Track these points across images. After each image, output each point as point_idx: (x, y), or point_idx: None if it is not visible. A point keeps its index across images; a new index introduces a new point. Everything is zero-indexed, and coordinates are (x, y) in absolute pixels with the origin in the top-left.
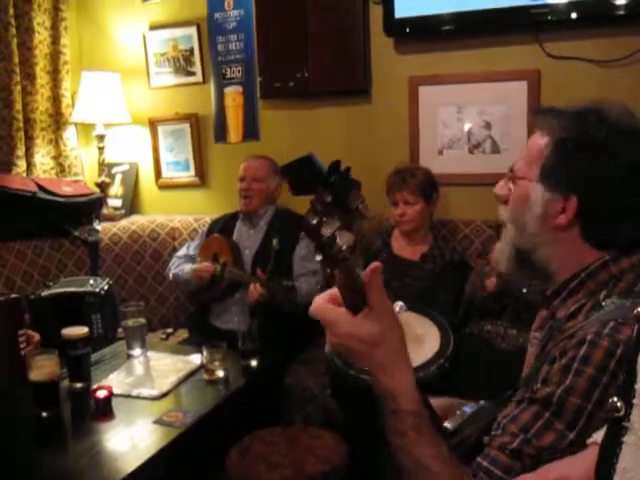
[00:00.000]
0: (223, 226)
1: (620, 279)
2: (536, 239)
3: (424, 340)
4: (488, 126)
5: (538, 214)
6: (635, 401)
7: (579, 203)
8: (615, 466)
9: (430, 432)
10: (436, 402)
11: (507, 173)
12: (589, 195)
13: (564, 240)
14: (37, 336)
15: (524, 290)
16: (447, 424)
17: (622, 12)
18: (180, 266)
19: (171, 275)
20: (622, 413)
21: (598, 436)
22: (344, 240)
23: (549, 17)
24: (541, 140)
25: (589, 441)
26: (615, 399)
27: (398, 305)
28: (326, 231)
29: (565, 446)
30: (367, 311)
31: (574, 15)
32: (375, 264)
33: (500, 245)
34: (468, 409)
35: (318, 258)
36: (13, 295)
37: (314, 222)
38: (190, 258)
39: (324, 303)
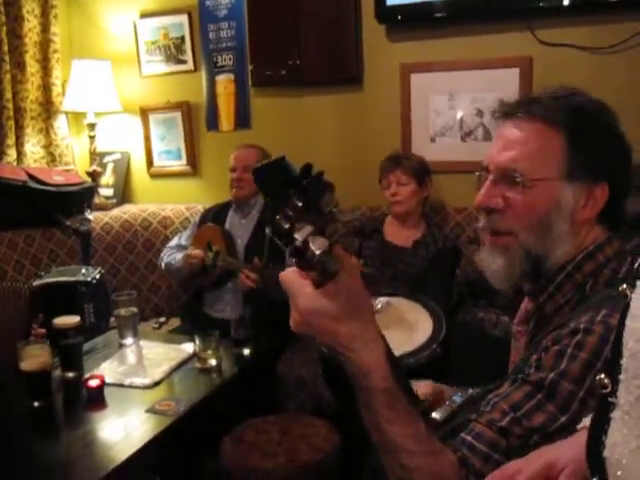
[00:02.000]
0: (215, 216)
1: (605, 267)
2: (561, 239)
3: (416, 326)
4: (480, 114)
5: (567, 212)
6: (621, 377)
7: (610, 188)
8: (604, 442)
9: (405, 409)
10: (421, 388)
11: (495, 178)
12: (617, 178)
13: (582, 231)
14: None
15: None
16: (436, 415)
17: None
18: (172, 255)
19: (163, 265)
20: (609, 389)
21: (588, 420)
22: (317, 245)
23: (541, 4)
24: (546, 133)
25: (579, 426)
26: (602, 376)
27: (380, 302)
28: (299, 236)
29: (555, 429)
30: (331, 285)
31: (566, 2)
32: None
33: (497, 262)
34: (457, 398)
35: (292, 262)
36: (26, 285)
37: (286, 227)
38: (182, 248)
39: (292, 273)
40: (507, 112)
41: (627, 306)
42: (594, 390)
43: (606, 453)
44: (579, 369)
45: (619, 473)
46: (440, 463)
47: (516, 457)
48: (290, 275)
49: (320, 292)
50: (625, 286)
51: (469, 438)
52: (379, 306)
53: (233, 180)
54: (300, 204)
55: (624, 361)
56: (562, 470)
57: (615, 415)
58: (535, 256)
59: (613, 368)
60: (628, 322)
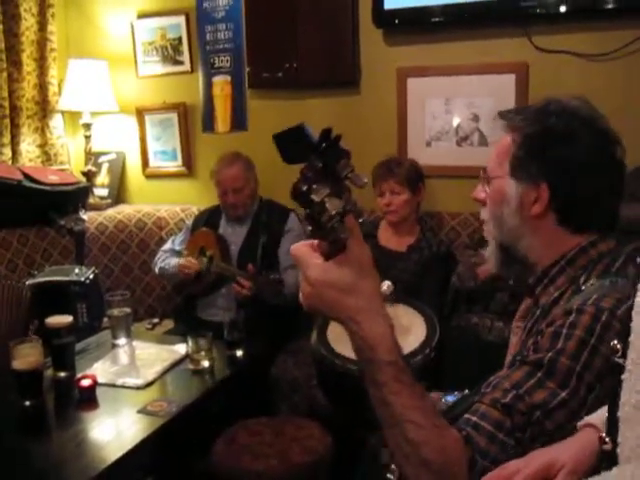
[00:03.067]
0: (208, 220)
1: (599, 262)
2: (516, 232)
3: (410, 330)
4: (476, 118)
5: (515, 207)
6: (630, 338)
7: (550, 190)
8: (618, 403)
9: (410, 382)
10: None
11: (480, 177)
12: (558, 181)
13: (542, 229)
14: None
15: (510, 281)
16: None
17: (610, 6)
18: (166, 260)
19: (157, 269)
20: (620, 353)
21: (589, 418)
22: (333, 206)
23: (538, 10)
24: (507, 138)
25: (580, 423)
26: (615, 342)
27: (385, 284)
28: (316, 197)
29: (556, 405)
30: (341, 257)
31: (563, 9)
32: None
33: (487, 248)
34: (451, 398)
35: (308, 228)
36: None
37: (304, 188)
38: (176, 253)
39: (302, 246)
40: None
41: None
42: (590, 365)
43: (619, 413)
44: (575, 346)
45: (625, 429)
46: (446, 438)
47: (519, 435)
48: (301, 248)
49: (330, 263)
50: None
51: (474, 418)
52: (384, 287)
53: (226, 202)
54: (319, 166)
55: (633, 324)
56: (560, 469)
57: (624, 377)
58: (501, 244)
59: (625, 332)
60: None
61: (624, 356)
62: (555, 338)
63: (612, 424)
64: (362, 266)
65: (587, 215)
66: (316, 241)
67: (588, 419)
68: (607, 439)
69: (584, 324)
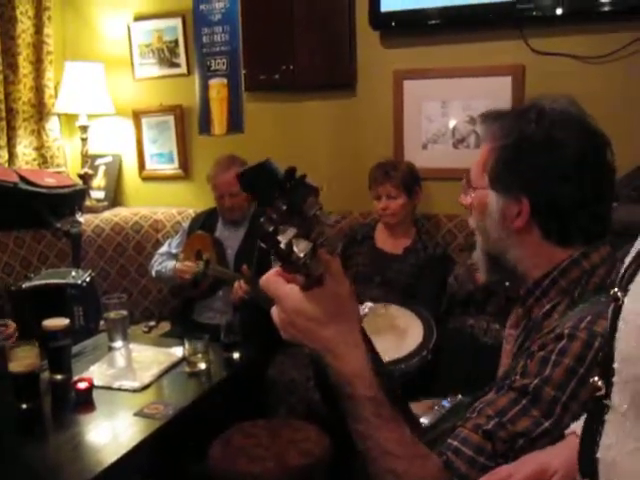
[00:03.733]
0: (204, 223)
1: (593, 274)
2: (501, 243)
3: (407, 333)
4: (472, 121)
5: (497, 220)
6: (615, 379)
7: (531, 204)
8: (599, 443)
9: (391, 416)
10: (418, 407)
11: (463, 183)
12: (539, 195)
13: (527, 242)
14: (13, 325)
15: (507, 283)
16: (424, 419)
17: (607, 8)
18: (163, 263)
19: (154, 273)
20: (603, 392)
21: (576, 427)
22: (301, 248)
23: (534, 13)
24: (486, 147)
25: (567, 431)
26: (596, 379)
27: (367, 306)
28: (282, 239)
29: (539, 434)
30: (318, 290)
31: (559, 11)
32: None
33: (475, 253)
34: (446, 403)
35: (277, 266)
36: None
37: (270, 230)
38: (172, 256)
39: (273, 276)
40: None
41: (619, 309)
42: (577, 395)
43: (599, 454)
44: (562, 375)
45: (613, 474)
46: (427, 467)
47: (502, 461)
48: (273, 278)
49: (306, 296)
50: (617, 289)
51: (455, 443)
52: (365, 310)
53: (222, 206)
54: (284, 207)
55: (616, 365)
56: (552, 476)
57: (609, 417)
58: (488, 253)
59: (606, 371)
60: (620, 325)
61: (607, 396)
62: (543, 364)
63: (588, 464)
64: (339, 299)
65: (573, 227)
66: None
67: (574, 427)
68: None
69: (574, 352)
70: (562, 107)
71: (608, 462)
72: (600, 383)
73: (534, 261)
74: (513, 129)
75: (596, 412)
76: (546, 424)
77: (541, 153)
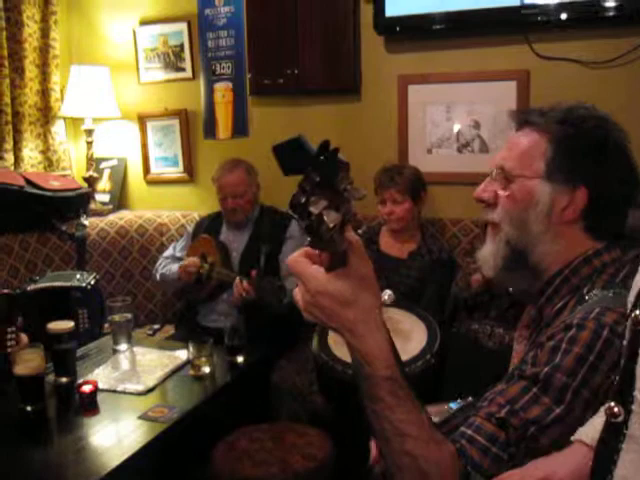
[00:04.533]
0: (209, 226)
1: (602, 272)
2: (538, 237)
3: (411, 336)
4: (477, 125)
5: (544, 211)
6: (635, 408)
7: (589, 194)
8: (613, 472)
9: (408, 397)
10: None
11: (494, 174)
12: (598, 185)
13: (567, 235)
14: (25, 338)
15: (510, 289)
16: (434, 418)
17: (611, 13)
18: (167, 267)
19: (158, 276)
20: (620, 419)
21: (582, 435)
22: (331, 218)
23: (539, 18)
24: (534, 138)
25: (574, 438)
26: (613, 404)
27: (387, 293)
28: (314, 209)
29: (550, 421)
30: (342, 270)
31: (564, 16)
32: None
33: (487, 249)
34: (454, 405)
35: (307, 240)
36: (5, 290)
37: (302, 200)
38: (177, 259)
39: (300, 257)
40: (513, 120)
41: (638, 334)
42: (588, 382)
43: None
44: (572, 362)
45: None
46: (442, 452)
47: (513, 450)
48: (299, 259)
49: (330, 276)
50: (638, 312)
51: (468, 431)
52: (385, 297)
53: (226, 207)
54: (317, 179)
55: (637, 393)
56: None
57: (627, 447)
58: (514, 248)
59: (625, 398)
60: None
61: (625, 423)
62: (553, 353)
63: (625, 400)
64: (363, 279)
65: (615, 222)
66: (315, 251)
67: (581, 434)
68: (620, 418)
69: (584, 340)
70: (603, 113)
71: None
72: (617, 409)
73: (559, 256)
74: (571, 124)
75: (612, 438)
76: (557, 411)
77: (601, 149)
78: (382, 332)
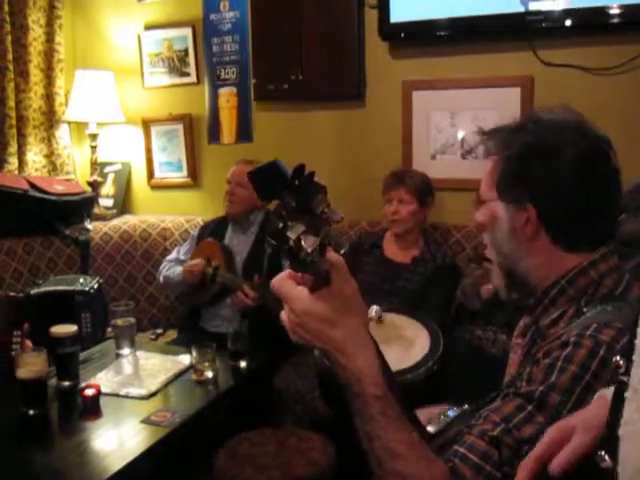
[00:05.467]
0: (214, 230)
1: (600, 283)
2: (513, 254)
3: (414, 342)
4: (481, 132)
5: (507, 230)
6: (634, 357)
7: (537, 211)
8: (620, 421)
9: (398, 416)
10: (424, 412)
11: (474, 200)
12: (543, 201)
13: (538, 250)
14: (29, 345)
15: (514, 295)
16: (430, 427)
17: (615, 20)
18: (171, 269)
19: (162, 278)
20: (623, 370)
21: (606, 391)
22: (309, 243)
23: (543, 24)
24: (494, 159)
25: (596, 395)
26: (617, 357)
27: (373, 310)
28: (291, 235)
29: None
30: (326, 290)
31: (568, 23)
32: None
33: (493, 272)
34: (452, 413)
35: (286, 263)
36: (12, 294)
37: (279, 226)
38: (180, 262)
39: (284, 278)
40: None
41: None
42: (583, 402)
43: (620, 432)
44: (568, 381)
45: (625, 447)
46: (432, 471)
47: (507, 469)
48: (283, 280)
49: (314, 297)
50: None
51: (461, 449)
52: (372, 314)
53: (227, 193)
54: (293, 204)
55: (638, 341)
56: (571, 433)
57: (628, 395)
58: (503, 268)
59: (628, 349)
60: None
61: (627, 373)
62: (549, 371)
63: (611, 441)
64: (347, 299)
65: (580, 231)
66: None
67: (604, 392)
68: (606, 456)
69: (580, 359)
70: (558, 115)
71: (626, 437)
72: (622, 362)
73: (545, 270)
74: (513, 140)
75: (618, 391)
76: None
77: (543, 162)
78: (371, 350)
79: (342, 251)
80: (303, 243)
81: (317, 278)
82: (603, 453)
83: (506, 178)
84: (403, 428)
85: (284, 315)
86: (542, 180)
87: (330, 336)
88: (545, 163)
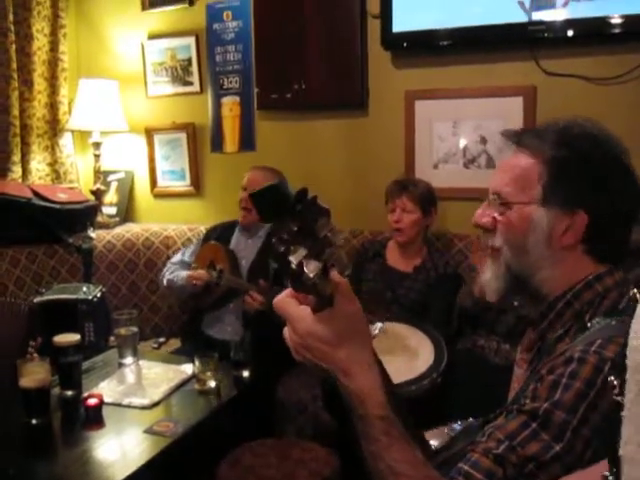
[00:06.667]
0: (220, 234)
1: (605, 297)
2: (538, 262)
3: (417, 353)
4: (483, 141)
5: (543, 236)
6: (626, 375)
7: (589, 218)
8: (619, 441)
9: (402, 436)
10: (434, 433)
11: (489, 200)
12: (597, 208)
13: (568, 260)
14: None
15: (515, 303)
16: (433, 442)
17: (618, 30)
18: (175, 272)
19: (165, 281)
20: (617, 390)
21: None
22: (311, 268)
23: (545, 34)
24: (529, 161)
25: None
26: (612, 378)
27: (377, 327)
28: (293, 259)
29: (549, 458)
30: (328, 312)
31: (570, 33)
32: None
33: (489, 273)
34: (457, 427)
35: (288, 285)
36: (27, 301)
37: (281, 250)
38: (185, 264)
39: (286, 297)
40: (507, 141)
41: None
42: (588, 420)
43: (621, 452)
44: (572, 398)
45: (627, 468)
46: None
47: None
48: (286, 300)
49: (317, 317)
50: (636, 290)
51: (466, 467)
52: (376, 331)
53: (242, 200)
54: (295, 228)
55: (628, 361)
56: None
57: (625, 414)
58: (516, 273)
59: (621, 369)
60: (633, 324)
61: (622, 393)
62: (553, 388)
63: (614, 462)
64: (350, 320)
65: (617, 243)
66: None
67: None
68: (610, 478)
69: (584, 375)
70: (600, 130)
71: (627, 458)
72: (616, 382)
73: (561, 281)
74: (563, 144)
75: (615, 410)
76: (557, 448)
77: (599, 169)
78: (374, 371)
79: (346, 273)
80: (305, 268)
81: (320, 299)
82: (607, 474)
83: (557, 181)
84: (407, 448)
85: (286, 334)
86: (599, 187)
87: (333, 357)
88: (601, 170)
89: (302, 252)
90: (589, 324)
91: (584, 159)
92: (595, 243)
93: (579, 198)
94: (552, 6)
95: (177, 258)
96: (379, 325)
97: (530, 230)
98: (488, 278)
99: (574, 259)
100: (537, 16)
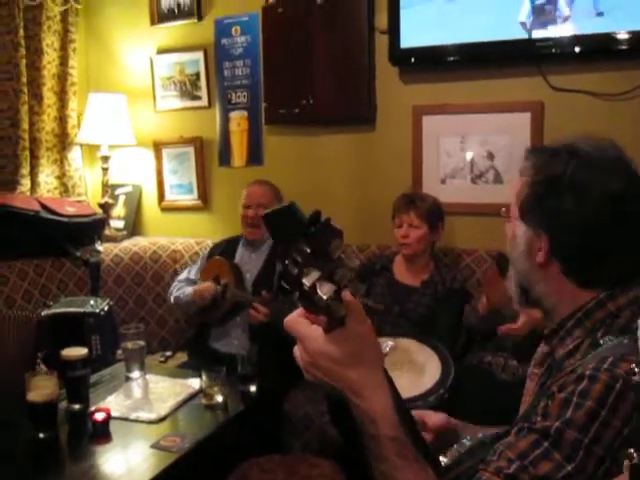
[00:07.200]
0: (224, 250)
1: (618, 316)
2: (529, 276)
3: (424, 368)
4: (491, 156)
5: (522, 251)
6: None
7: (549, 242)
8: None
9: (413, 456)
10: (434, 419)
11: (502, 214)
12: (558, 235)
13: (550, 277)
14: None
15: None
16: (443, 458)
17: (625, 46)
18: (181, 289)
19: (172, 299)
20: (636, 460)
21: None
22: (325, 290)
23: (553, 50)
24: (522, 180)
25: None
26: (632, 450)
27: (388, 345)
28: (306, 281)
29: (562, 478)
30: (340, 332)
31: (577, 49)
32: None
33: (511, 285)
34: (467, 442)
35: (299, 305)
36: (35, 314)
37: (294, 272)
38: (191, 282)
39: (298, 317)
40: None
41: None
42: (600, 438)
43: None
44: (584, 417)
45: None
46: None
47: None
48: (297, 319)
49: (329, 337)
50: None
51: None
52: (387, 349)
53: (246, 217)
54: (308, 250)
55: None
56: None
57: None
58: (519, 285)
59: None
60: None
61: None
62: (565, 406)
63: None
64: (362, 340)
65: (594, 271)
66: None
67: None
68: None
69: (596, 394)
70: (598, 150)
71: None
72: (635, 454)
73: (558, 297)
74: (544, 166)
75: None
76: (568, 468)
77: (565, 194)
78: (385, 391)
79: (358, 294)
80: (319, 290)
81: (332, 319)
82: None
83: (529, 201)
84: (418, 469)
85: (297, 353)
86: (560, 214)
87: (344, 377)
88: (568, 198)
89: (315, 274)
90: (601, 341)
91: (556, 186)
92: (568, 268)
93: (542, 222)
94: (553, 22)
95: (183, 276)
96: (390, 344)
97: (516, 244)
98: (511, 289)
99: (555, 278)
100: (541, 34)
